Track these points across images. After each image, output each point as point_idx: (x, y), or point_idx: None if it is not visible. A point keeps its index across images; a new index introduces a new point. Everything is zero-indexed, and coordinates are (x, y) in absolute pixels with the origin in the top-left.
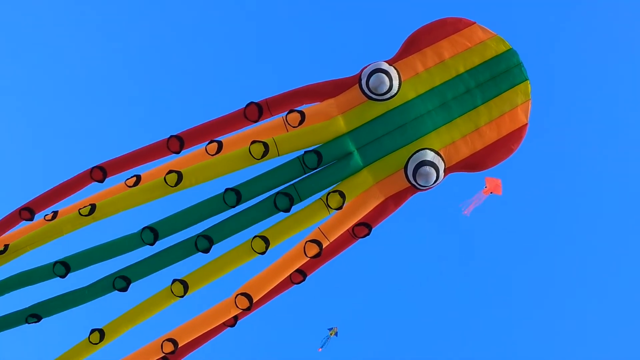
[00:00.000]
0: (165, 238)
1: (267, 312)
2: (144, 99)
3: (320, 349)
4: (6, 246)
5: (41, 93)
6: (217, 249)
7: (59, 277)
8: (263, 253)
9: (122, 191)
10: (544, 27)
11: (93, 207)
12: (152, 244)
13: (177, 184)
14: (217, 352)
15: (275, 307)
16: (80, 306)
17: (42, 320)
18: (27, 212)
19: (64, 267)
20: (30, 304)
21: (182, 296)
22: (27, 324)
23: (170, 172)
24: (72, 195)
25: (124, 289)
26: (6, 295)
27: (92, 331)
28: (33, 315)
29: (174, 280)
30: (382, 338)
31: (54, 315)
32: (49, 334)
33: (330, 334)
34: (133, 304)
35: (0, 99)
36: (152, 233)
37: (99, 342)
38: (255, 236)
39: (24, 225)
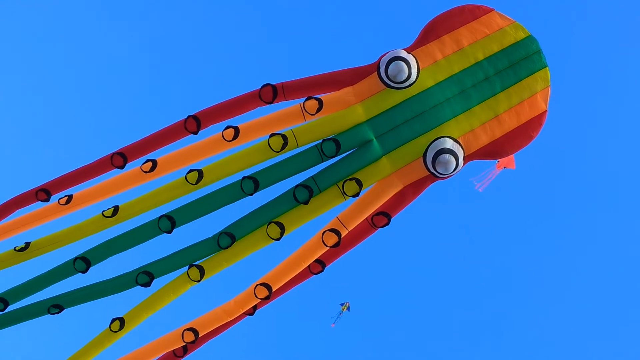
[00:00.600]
0: (186, 234)
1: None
2: (163, 87)
3: (334, 325)
4: (27, 244)
5: (56, 86)
6: None
7: (80, 273)
8: (278, 239)
9: (139, 177)
10: (562, 13)
11: (116, 209)
12: (169, 232)
13: (198, 181)
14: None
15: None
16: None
17: (64, 311)
18: (44, 193)
19: (84, 263)
20: (52, 295)
21: (198, 281)
22: (49, 315)
23: (190, 170)
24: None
25: (147, 284)
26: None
27: (113, 320)
28: (55, 305)
29: (191, 266)
30: (393, 325)
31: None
32: (66, 326)
33: (342, 309)
34: (150, 291)
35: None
36: (170, 221)
37: (120, 330)
38: (270, 222)
39: (40, 207)
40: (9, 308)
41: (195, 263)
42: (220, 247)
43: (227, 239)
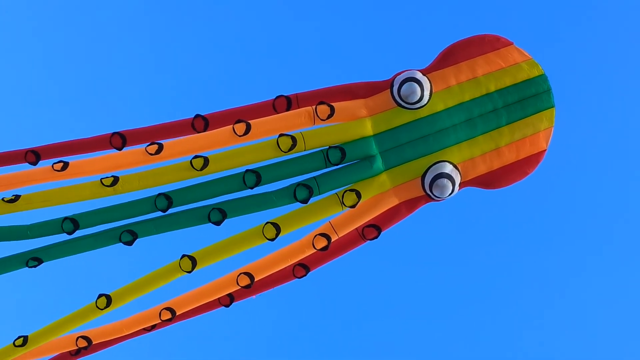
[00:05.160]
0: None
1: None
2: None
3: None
4: (17, 196)
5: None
6: (229, 231)
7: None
8: (273, 239)
9: (142, 156)
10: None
11: (116, 179)
12: (164, 211)
13: (202, 168)
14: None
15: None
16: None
17: (43, 264)
18: (33, 155)
19: (72, 224)
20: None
21: (189, 272)
22: (27, 267)
23: (197, 156)
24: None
25: (129, 243)
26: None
27: (99, 296)
28: (35, 258)
29: (183, 256)
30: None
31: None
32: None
33: None
34: (140, 274)
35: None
36: (167, 200)
37: (105, 308)
38: (267, 222)
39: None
40: None
41: (188, 254)
42: (210, 221)
43: (219, 214)
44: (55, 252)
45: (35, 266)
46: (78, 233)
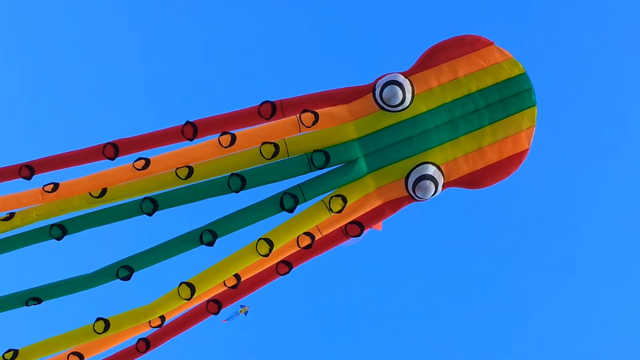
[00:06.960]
0: (170, 232)
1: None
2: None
3: (225, 320)
4: (12, 214)
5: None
6: (221, 251)
7: (55, 240)
8: (267, 255)
9: (130, 173)
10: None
11: (104, 191)
12: (150, 214)
13: (187, 177)
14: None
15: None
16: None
17: (43, 303)
18: (27, 169)
19: (60, 230)
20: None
21: (189, 298)
22: (27, 306)
23: (181, 166)
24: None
25: (126, 278)
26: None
27: (97, 320)
28: (34, 298)
29: (181, 283)
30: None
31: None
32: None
33: (240, 311)
34: (142, 302)
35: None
36: (153, 204)
37: (102, 333)
38: (259, 238)
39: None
40: None
41: (185, 280)
42: (203, 243)
43: (210, 235)
44: (54, 291)
45: (35, 304)
46: (71, 247)
